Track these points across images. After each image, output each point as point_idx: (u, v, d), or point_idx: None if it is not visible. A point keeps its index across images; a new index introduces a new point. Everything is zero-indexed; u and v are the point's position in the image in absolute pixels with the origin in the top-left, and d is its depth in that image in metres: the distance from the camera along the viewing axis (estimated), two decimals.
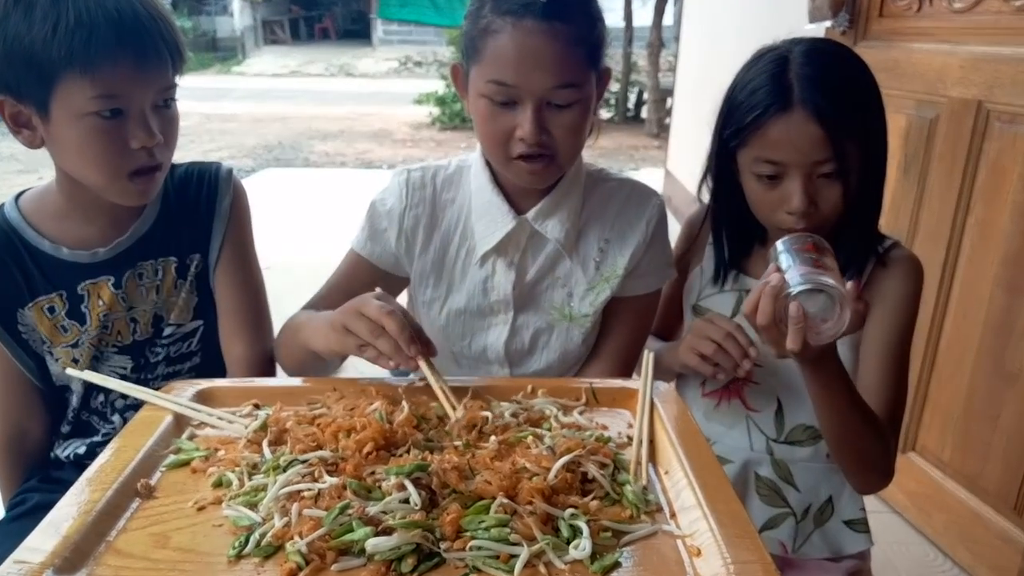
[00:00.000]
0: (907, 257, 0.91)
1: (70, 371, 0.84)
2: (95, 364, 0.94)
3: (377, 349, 0.76)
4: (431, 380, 0.77)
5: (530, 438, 0.69)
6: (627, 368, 1.02)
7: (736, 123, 0.87)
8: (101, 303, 0.93)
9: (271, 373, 1.01)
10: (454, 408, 0.74)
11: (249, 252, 1.03)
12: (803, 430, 0.94)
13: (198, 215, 0.98)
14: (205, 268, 0.99)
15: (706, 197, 1.00)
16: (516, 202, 0.97)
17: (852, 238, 0.89)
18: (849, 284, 0.70)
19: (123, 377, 0.95)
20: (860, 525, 0.96)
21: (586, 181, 1.01)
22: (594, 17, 0.88)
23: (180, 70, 0.87)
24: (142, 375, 0.97)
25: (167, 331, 0.97)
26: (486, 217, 0.97)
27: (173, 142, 0.91)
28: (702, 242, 1.03)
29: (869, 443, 0.84)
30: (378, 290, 0.83)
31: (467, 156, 1.03)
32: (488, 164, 0.98)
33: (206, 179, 1.00)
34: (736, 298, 0.97)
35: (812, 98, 0.81)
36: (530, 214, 0.96)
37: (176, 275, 0.97)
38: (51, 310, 0.92)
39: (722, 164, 0.93)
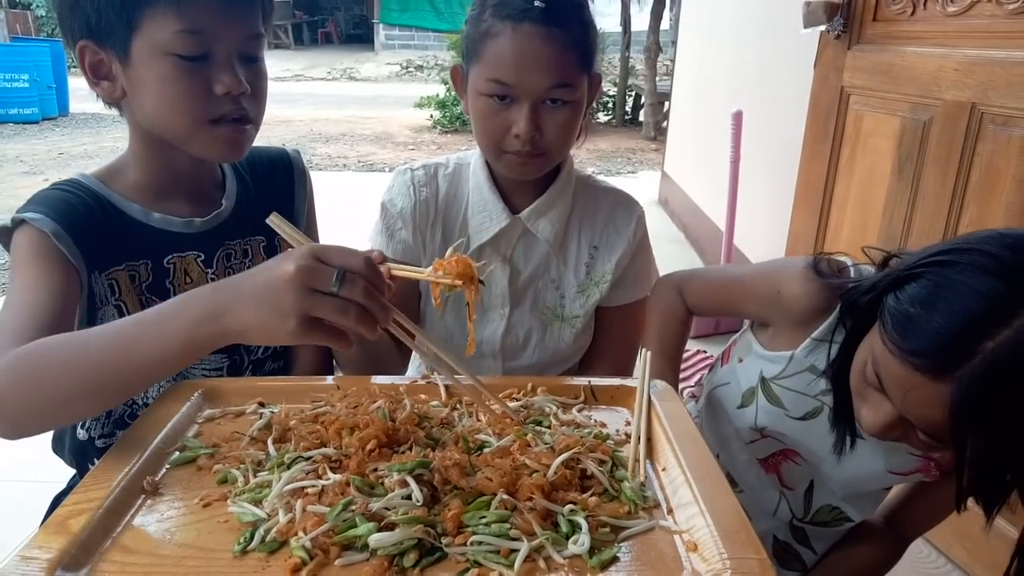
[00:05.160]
0: None
1: None
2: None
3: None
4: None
5: (530, 435, 0.70)
6: (629, 363, 1.07)
7: (890, 313, 0.65)
8: (188, 280, 0.87)
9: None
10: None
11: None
12: (829, 511, 0.91)
13: (281, 194, 0.95)
14: None
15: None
16: (511, 201, 1.01)
17: None
18: None
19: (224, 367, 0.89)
20: None
21: (576, 185, 1.05)
22: (587, 24, 0.92)
23: (268, 21, 0.83)
24: (240, 375, 0.91)
25: None
26: (481, 213, 1.01)
27: (263, 98, 0.84)
28: (807, 325, 0.82)
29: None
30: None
31: (465, 154, 1.07)
32: (487, 163, 1.01)
33: (280, 160, 0.98)
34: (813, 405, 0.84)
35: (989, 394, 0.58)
36: (523, 213, 1.00)
37: (265, 255, 0.93)
38: (132, 279, 0.85)
39: (865, 312, 0.72)
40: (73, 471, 0.96)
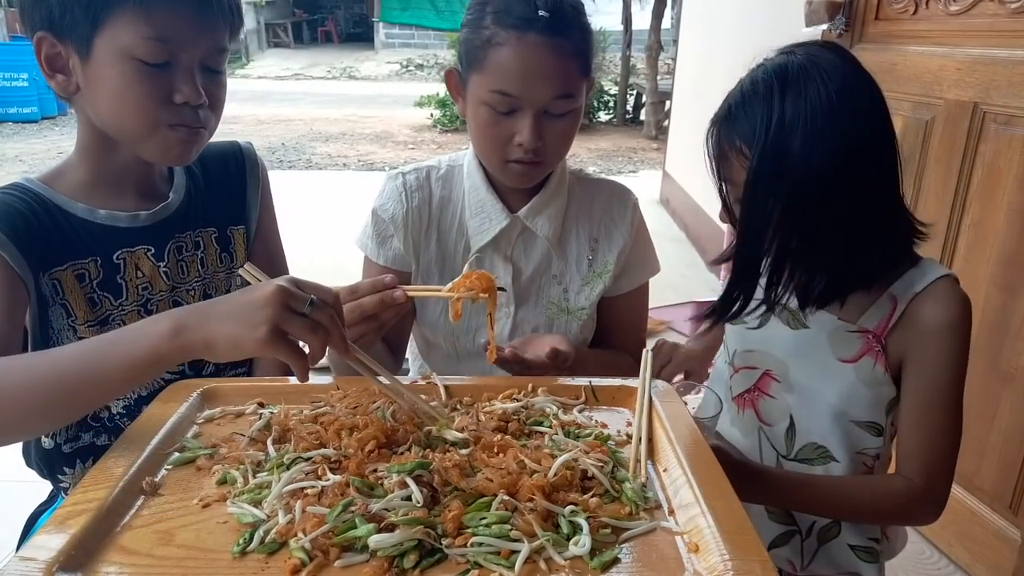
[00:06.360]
0: (960, 299, 0.82)
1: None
2: None
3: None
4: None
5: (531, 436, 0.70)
6: (642, 345, 1.08)
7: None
8: (140, 275, 0.87)
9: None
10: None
11: (278, 232, 1.01)
12: (813, 448, 0.92)
13: (232, 185, 0.96)
14: (250, 242, 0.97)
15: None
16: (507, 200, 1.01)
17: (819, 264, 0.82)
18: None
19: (181, 375, 0.88)
20: (865, 554, 0.91)
21: (570, 180, 1.06)
22: (586, 29, 0.92)
23: (235, 36, 0.84)
24: (201, 373, 0.90)
25: None
26: (480, 215, 1.01)
27: (220, 109, 0.85)
28: None
29: (871, 518, 0.89)
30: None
31: (456, 155, 1.07)
32: (481, 164, 1.01)
33: (231, 153, 0.99)
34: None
35: (730, 128, 0.80)
36: (521, 212, 1.01)
37: (218, 246, 0.94)
38: (80, 277, 0.84)
39: None
40: (51, 486, 0.95)
